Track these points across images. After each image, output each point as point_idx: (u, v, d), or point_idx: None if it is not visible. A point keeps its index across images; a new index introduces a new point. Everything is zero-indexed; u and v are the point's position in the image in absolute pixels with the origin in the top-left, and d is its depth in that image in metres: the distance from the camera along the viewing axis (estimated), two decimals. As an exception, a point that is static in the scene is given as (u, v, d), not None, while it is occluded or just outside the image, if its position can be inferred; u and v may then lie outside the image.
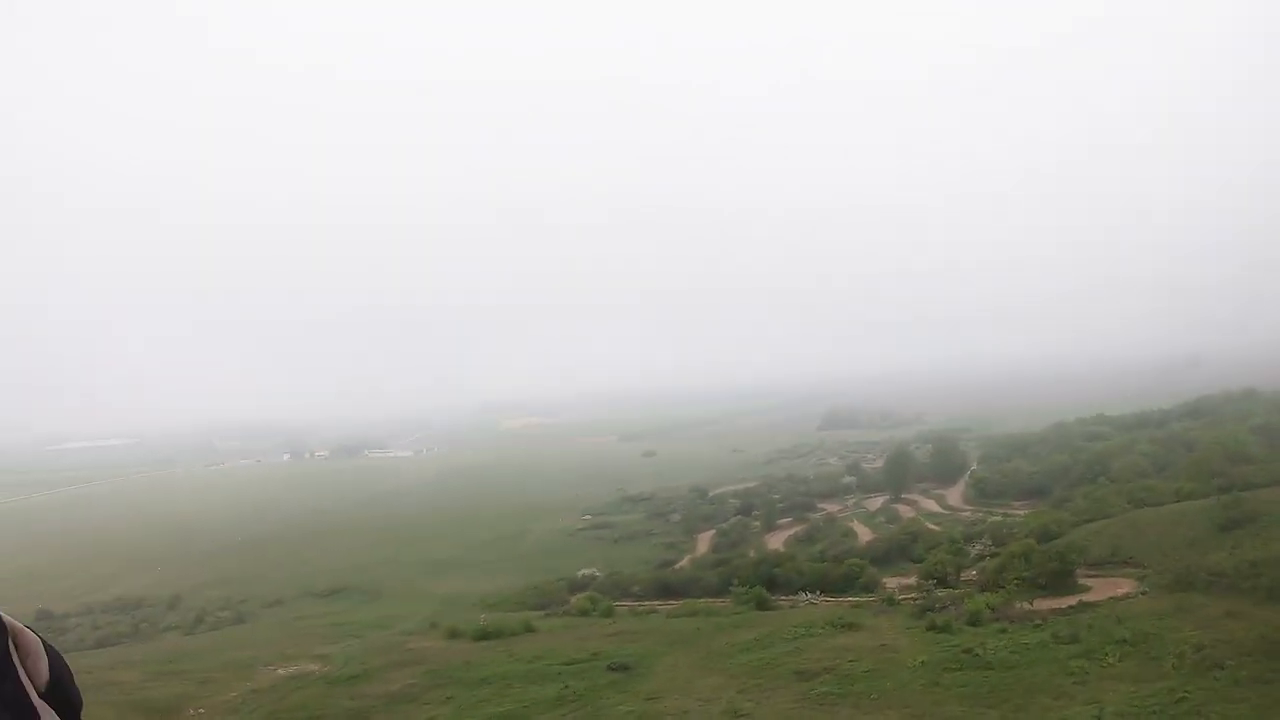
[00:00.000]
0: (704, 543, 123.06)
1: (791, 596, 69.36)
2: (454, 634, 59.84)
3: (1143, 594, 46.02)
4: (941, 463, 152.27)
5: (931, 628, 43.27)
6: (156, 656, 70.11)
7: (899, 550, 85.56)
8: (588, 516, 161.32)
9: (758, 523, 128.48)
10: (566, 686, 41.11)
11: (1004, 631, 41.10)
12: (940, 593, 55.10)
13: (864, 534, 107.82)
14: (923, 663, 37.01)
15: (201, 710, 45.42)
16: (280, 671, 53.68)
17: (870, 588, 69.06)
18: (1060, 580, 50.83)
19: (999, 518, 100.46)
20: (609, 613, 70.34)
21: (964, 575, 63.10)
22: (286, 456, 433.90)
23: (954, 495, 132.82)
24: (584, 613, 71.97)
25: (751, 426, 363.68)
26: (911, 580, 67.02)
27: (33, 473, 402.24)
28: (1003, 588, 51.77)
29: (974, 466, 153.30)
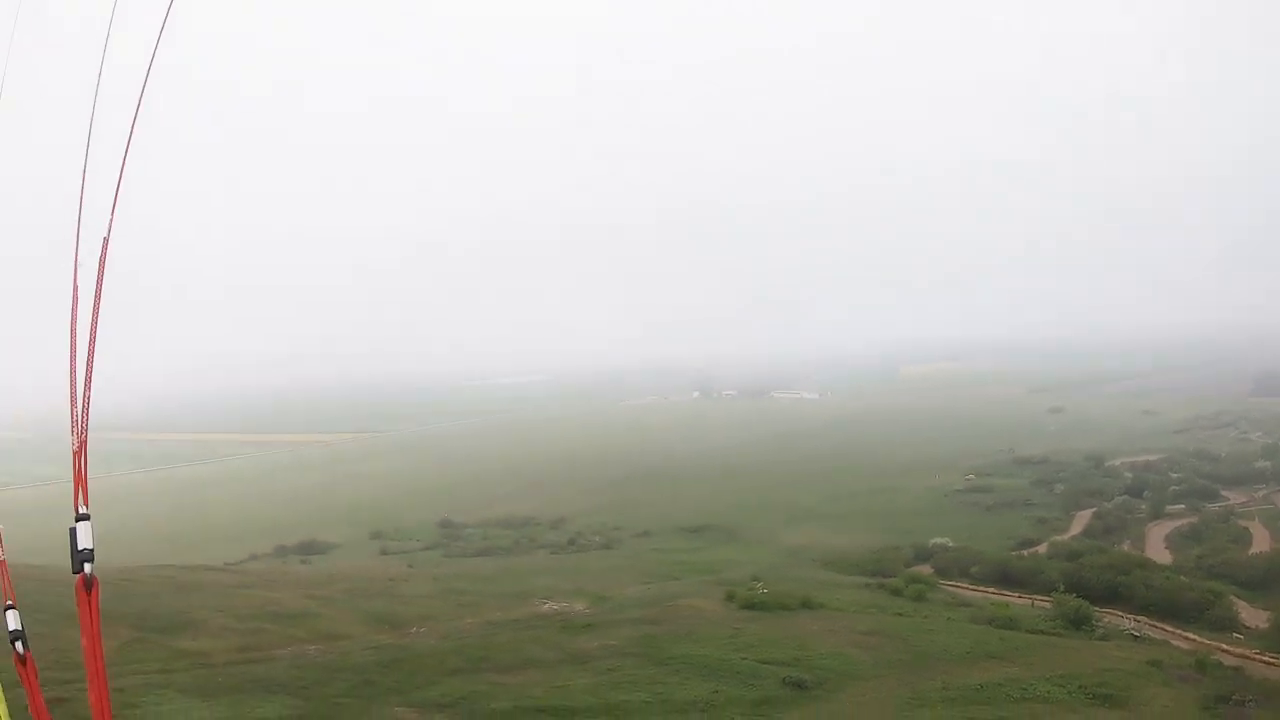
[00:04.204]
0: (1080, 522, 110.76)
1: (1121, 617, 61.25)
2: (730, 598, 59.44)
3: None
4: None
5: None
6: (477, 573, 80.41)
7: (1286, 572, 71.75)
8: (970, 477, 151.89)
9: (1144, 507, 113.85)
10: (717, 691, 37.87)
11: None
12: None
13: (1261, 539, 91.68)
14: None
15: (423, 630, 49.51)
16: (545, 607, 57.51)
17: (1220, 624, 58.55)
18: None
19: None
20: (919, 596, 67.16)
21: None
22: (695, 394, 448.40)
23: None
24: (896, 592, 69.27)
25: (1173, 385, 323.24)
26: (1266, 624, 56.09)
27: (467, 404, 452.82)
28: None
29: None
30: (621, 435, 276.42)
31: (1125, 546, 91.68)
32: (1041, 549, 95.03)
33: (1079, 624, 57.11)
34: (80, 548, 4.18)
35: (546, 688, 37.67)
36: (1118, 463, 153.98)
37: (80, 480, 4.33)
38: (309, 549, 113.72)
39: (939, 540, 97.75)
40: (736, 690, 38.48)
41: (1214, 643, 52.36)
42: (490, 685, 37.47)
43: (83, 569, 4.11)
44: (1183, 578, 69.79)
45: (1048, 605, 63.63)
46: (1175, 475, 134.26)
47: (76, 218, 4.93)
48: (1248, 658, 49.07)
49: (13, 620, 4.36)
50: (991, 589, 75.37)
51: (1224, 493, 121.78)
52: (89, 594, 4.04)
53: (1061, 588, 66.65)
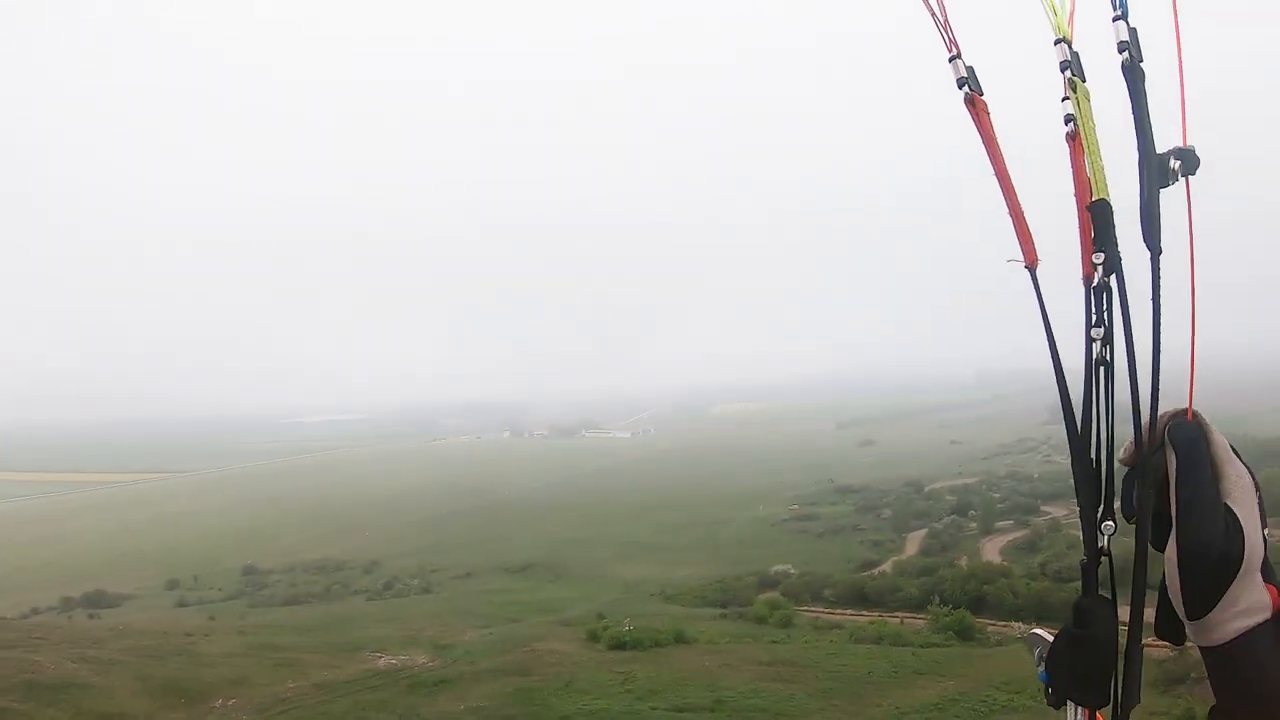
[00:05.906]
0: (914, 543, 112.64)
1: (1002, 625, 59.54)
2: (594, 637, 54.18)
3: None
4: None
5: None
6: (291, 623, 70.08)
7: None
8: (794, 506, 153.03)
9: (974, 524, 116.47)
10: None
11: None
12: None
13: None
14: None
15: (233, 702, 40.00)
16: (382, 662, 48.80)
17: (1095, 621, 57.09)
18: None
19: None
20: (786, 622, 64.85)
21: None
22: (506, 434, 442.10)
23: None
24: (760, 619, 66.50)
25: (973, 418, 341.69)
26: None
27: (273, 443, 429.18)
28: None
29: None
30: (433, 475, 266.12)
31: (962, 561, 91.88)
32: (886, 568, 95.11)
33: (966, 635, 55.69)
34: None
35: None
36: (937, 487, 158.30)
37: None
38: (97, 602, 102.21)
39: (780, 567, 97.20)
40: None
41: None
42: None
43: None
44: (1046, 579, 70.47)
45: (919, 621, 62.21)
46: (996, 495, 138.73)
47: None
48: (1150, 645, 47.11)
49: None
50: (849, 610, 74.18)
51: (1044, 507, 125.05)
52: None
53: (938, 600, 64.88)
